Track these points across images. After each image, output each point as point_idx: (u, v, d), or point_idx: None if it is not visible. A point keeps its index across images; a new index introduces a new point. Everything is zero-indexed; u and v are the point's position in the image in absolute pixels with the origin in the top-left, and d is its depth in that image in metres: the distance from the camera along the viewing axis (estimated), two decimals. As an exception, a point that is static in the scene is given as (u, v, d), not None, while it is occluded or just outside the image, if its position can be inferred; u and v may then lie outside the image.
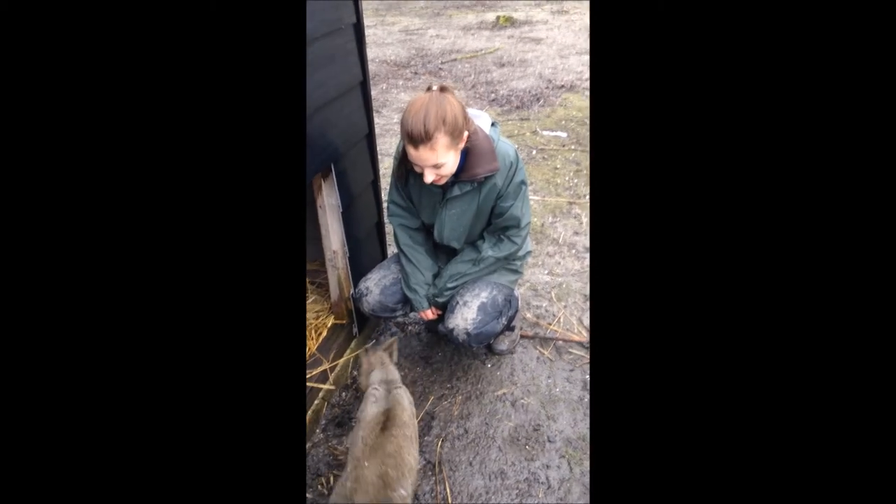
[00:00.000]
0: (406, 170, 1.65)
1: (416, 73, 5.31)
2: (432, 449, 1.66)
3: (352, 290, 1.86)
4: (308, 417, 1.67)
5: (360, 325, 1.97)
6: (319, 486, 1.56)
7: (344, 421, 1.76)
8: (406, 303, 1.82)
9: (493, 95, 4.61)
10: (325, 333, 1.91)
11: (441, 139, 1.42)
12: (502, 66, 5.37)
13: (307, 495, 1.53)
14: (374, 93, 4.79)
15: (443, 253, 1.85)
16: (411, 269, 1.77)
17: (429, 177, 1.49)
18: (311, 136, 1.51)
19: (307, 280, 2.17)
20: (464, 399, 1.82)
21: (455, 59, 5.63)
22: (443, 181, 1.55)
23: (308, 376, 1.75)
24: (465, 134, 1.50)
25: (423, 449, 1.66)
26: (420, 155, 1.44)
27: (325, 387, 1.75)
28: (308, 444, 1.67)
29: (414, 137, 1.41)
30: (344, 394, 1.86)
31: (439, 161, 1.45)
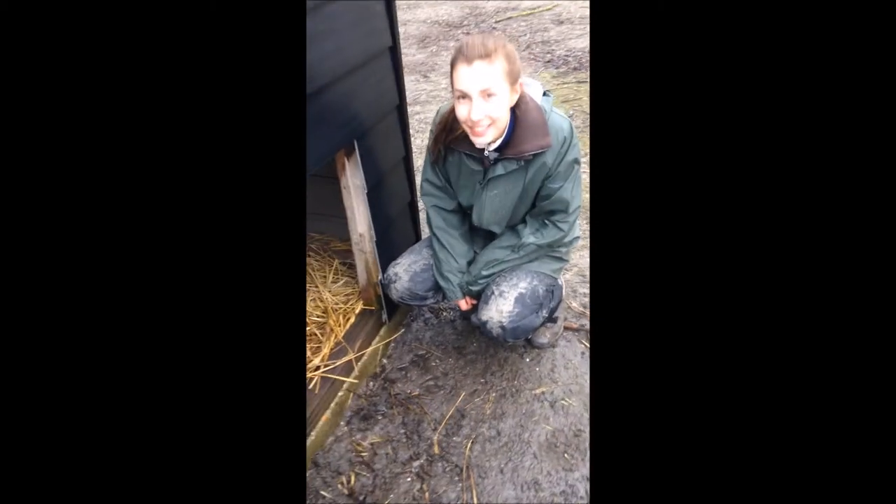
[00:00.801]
0: (443, 146, 1.48)
1: (468, 34, 5.03)
2: (460, 451, 1.53)
3: (380, 276, 1.74)
4: (331, 410, 1.59)
5: (390, 311, 1.86)
6: (340, 486, 1.47)
7: (370, 414, 1.66)
8: (438, 290, 1.68)
9: (548, 56, 4.29)
10: (353, 319, 1.81)
11: (500, 60, 1.25)
12: (560, 23, 4.99)
13: (325, 494, 1.45)
14: (422, 56, 4.58)
15: (479, 237, 1.68)
16: (444, 255, 1.62)
17: (476, 111, 1.26)
18: (331, 110, 1.37)
19: (338, 261, 2.07)
20: (498, 396, 1.68)
21: (510, 18, 5.29)
22: (487, 133, 1.31)
23: (332, 367, 1.66)
24: (519, 84, 1.34)
25: (450, 451, 1.54)
26: (474, 71, 1.24)
27: (349, 380, 1.66)
28: (331, 439, 1.59)
29: (471, 53, 1.24)
30: (372, 383, 1.76)
31: (494, 87, 1.25)
